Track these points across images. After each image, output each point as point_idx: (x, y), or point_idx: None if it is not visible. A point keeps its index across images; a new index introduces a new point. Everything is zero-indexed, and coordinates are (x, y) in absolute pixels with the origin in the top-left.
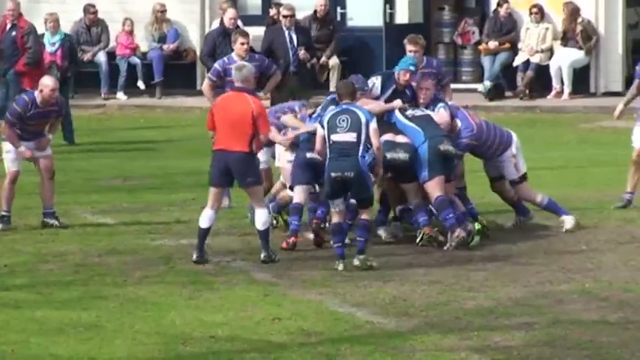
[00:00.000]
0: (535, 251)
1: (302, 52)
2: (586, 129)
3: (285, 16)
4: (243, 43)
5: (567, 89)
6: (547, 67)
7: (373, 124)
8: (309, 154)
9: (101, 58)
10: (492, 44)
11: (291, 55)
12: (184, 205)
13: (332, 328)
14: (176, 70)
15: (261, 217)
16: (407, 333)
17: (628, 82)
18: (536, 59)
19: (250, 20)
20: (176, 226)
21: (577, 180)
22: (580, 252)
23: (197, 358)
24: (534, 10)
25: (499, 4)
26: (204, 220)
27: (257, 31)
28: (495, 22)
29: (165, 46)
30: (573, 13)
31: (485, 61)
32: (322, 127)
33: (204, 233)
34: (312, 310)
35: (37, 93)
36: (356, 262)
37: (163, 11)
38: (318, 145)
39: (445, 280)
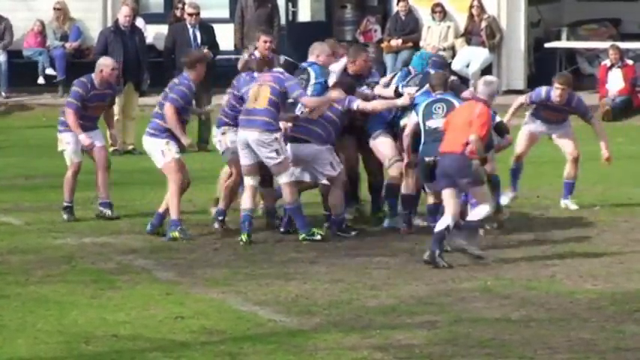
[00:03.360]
0: None
1: (205, 51)
2: None
3: (190, 14)
4: (265, 42)
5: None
6: (449, 65)
7: None
8: (427, 158)
9: (0, 57)
10: (394, 42)
11: None
12: (86, 203)
13: (234, 327)
14: (79, 69)
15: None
16: (309, 331)
17: (530, 80)
18: None
19: (152, 18)
20: (78, 225)
21: None
22: (482, 249)
23: (100, 357)
24: (438, 8)
25: (397, 2)
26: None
27: (159, 29)
28: (397, 20)
29: (67, 45)
30: (480, 8)
31: (388, 59)
32: (417, 113)
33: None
34: (214, 308)
35: (94, 75)
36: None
37: (64, 9)
38: (407, 130)
39: (347, 279)
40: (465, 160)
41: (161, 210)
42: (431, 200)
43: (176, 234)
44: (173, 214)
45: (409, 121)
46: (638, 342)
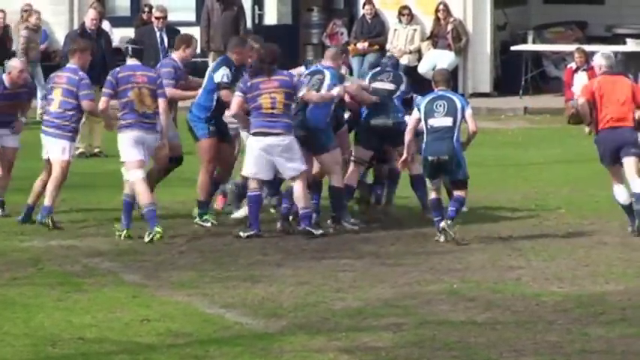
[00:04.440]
0: (403, 252)
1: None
2: None
3: (157, 18)
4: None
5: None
6: (415, 67)
7: (469, 110)
8: (430, 157)
9: None
10: (360, 45)
11: (161, 56)
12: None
13: (200, 330)
14: (46, 71)
15: None
16: (275, 334)
17: (496, 84)
18: (404, 60)
19: (119, 22)
20: (45, 228)
21: None
22: (448, 252)
23: None
24: (405, 11)
25: (363, 5)
26: (620, 196)
27: (125, 33)
28: (363, 23)
29: None
30: (446, 11)
31: (354, 62)
32: (418, 110)
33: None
34: (180, 311)
35: (4, 75)
36: (442, 224)
37: (31, 11)
38: (409, 125)
39: (313, 281)
40: (636, 132)
41: (31, 202)
42: (433, 195)
43: (49, 221)
44: (50, 202)
45: (411, 117)
46: (604, 344)
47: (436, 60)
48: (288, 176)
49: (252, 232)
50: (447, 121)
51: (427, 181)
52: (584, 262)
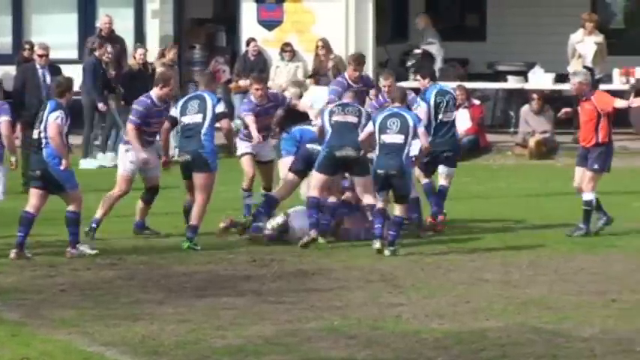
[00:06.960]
0: (285, 289)
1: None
2: None
3: (40, 55)
4: (257, 89)
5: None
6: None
7: (421, 127)
8: (379, 171)
9: None
10: (243, 82)
11: (44, 93)
12: None
13: None
14: None
15: None
16: None
17: None
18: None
19: (0, 59)
20: None
21: None
22: (329, 290)
23: None
24: (287, 48)
25: (247, 43)
26: None
27: (7, 70)
28: (245, 60)
29: None
30: (325, 48)
31: (236, 99)
32: (373, 124)
33: None
34: (60, 349)
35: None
36: (387, 252)
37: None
38: (362, 136)
39: (195, 319)
40: None
41: None
42: (380, 205)
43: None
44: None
45: (365, 129)
46: None
47: (317, 97)
48: None
49: None
50: (399, 139)
51: (376, 194)
52: (464, 299)
